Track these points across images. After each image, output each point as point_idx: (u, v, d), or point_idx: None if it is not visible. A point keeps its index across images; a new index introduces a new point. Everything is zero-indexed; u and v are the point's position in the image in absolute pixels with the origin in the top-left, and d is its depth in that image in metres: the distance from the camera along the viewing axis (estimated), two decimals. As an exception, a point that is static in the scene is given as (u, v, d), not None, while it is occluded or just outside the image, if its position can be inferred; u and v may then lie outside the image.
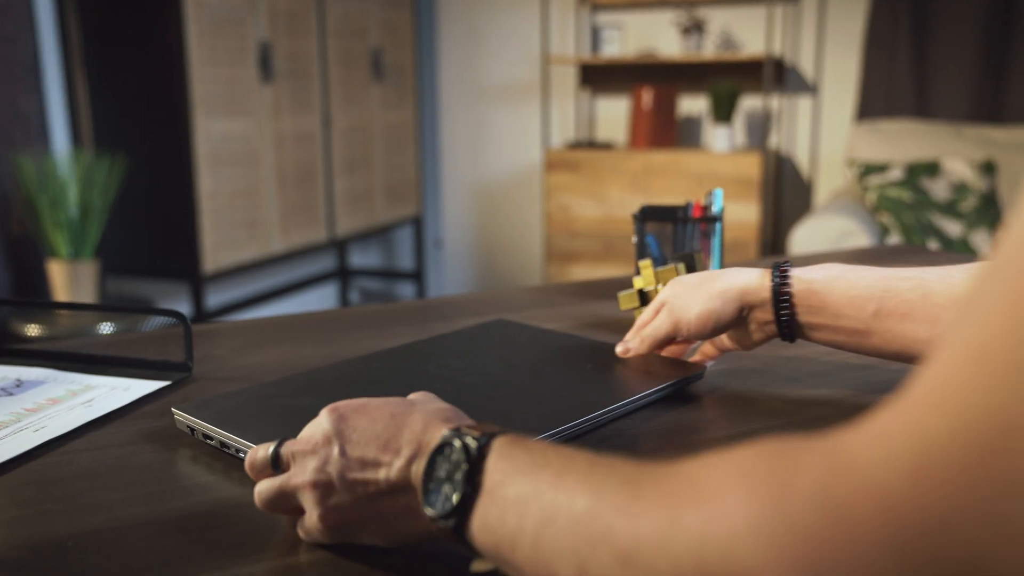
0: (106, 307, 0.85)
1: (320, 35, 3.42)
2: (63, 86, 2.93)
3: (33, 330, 2.55)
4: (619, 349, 0.80)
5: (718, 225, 1.11)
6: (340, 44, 3.54)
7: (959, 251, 2.80)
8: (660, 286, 0.95)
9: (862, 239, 2.76)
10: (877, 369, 0.83)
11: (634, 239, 1.12)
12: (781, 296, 0.70)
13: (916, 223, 2.88)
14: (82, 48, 2.90)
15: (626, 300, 0.98)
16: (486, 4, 4.16)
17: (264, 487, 0.52)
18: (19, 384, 0.81)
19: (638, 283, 0.97)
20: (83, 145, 2.93)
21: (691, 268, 0.97)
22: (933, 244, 2.85)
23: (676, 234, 1.13)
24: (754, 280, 0.72)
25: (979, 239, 2.88)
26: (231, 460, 0.64)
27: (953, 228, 2.90)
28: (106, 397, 0.77)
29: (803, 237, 2.83)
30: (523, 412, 0.69)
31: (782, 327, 0.71)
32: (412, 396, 0.55)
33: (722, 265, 1.13)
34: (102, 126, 2.94)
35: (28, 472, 0.63)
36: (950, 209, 2.93)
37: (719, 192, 1.14)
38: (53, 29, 2.90)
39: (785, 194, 3.80)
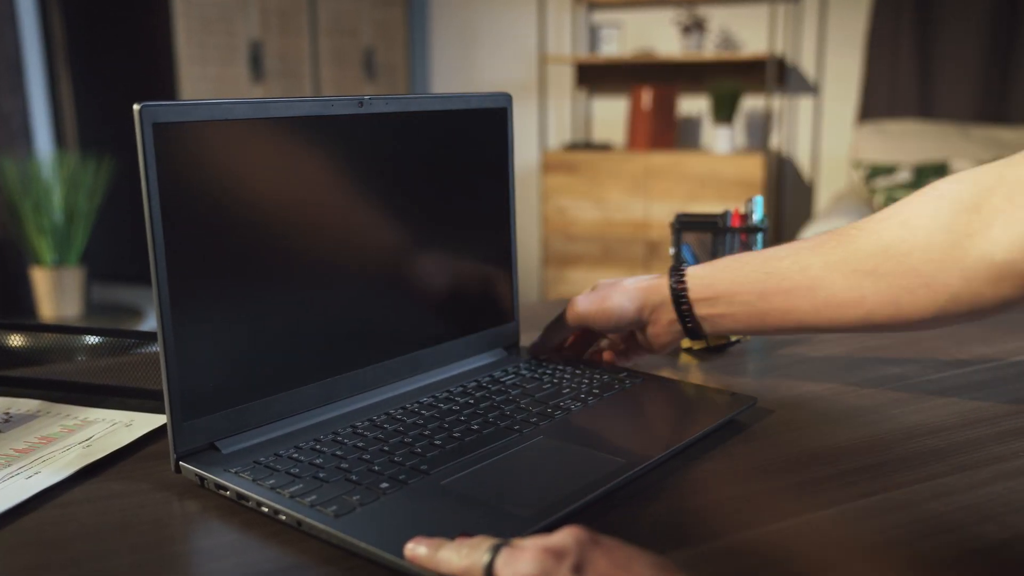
0: (106, 331, 0.77)
1: (312, 34, 3.33)
2: (46, 85, 2.83)
3: (16, 341, 2.45)
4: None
5: (760, 236, 1.04)
6: (332, 43, 3.46)
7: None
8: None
9: (871, 242, 2.70)
10: (958, 397, 0.75)
11: (671, 250, 1.04)
12: (679, 293, 0.75)
13: (925, 226, 2.83)
14: (66, 45, 2.80)
15: (670, 318, 0.90)
16: (480, 1, 4.08)
17: None
18: (7, 418, 0.73)
19: (684, 300, 0.90)
20: (67, 146, 2.83)
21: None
22: (942, 247, 2.79)
23: (714, 244, 1.05)
24: (654, 281, 0.78)
25: (989, 242, 2.82)
26: (250, 514, 0.56)
27: (963, 231, 2.84)
28: (107, 435, 0.69)
29: (810, 240, 2.77)
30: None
31: (685, 322, 0.76)
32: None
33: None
34: (87, 127, 2.84)
35: (22, 530, 0.55)
36: (960, 212, 2.88)
37: (759, 200, 1.07)
38: (35, 25, 2.80)
39: (786, 196, 3.74)
